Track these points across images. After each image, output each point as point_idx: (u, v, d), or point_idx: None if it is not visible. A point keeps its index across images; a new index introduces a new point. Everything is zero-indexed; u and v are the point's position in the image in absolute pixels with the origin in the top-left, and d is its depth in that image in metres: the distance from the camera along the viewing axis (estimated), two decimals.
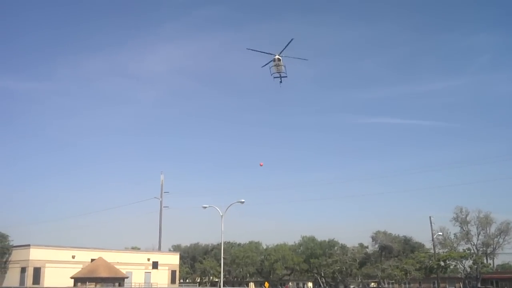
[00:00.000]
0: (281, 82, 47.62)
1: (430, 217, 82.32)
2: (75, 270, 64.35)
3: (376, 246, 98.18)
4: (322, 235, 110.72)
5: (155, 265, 76.77)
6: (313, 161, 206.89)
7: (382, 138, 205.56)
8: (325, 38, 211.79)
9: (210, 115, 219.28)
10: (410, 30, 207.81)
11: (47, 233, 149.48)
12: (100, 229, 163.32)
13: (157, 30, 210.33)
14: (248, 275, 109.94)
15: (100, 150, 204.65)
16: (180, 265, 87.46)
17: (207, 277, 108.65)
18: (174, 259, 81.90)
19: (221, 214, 59.76)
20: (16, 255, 66.43)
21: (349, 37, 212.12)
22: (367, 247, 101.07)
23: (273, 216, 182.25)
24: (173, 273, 79.46)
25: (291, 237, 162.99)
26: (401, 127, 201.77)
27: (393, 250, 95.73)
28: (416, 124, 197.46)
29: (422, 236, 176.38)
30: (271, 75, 46.36)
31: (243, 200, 59.05)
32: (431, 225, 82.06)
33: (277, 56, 44.89)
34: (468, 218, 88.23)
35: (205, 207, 60.91)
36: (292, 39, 43.33)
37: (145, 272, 74.87)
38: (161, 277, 76.74)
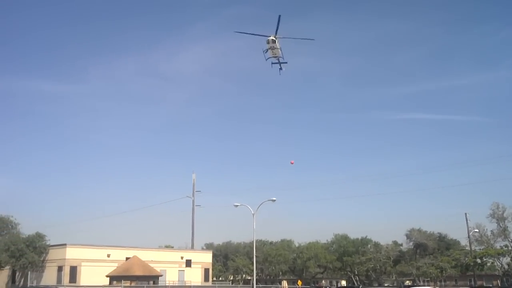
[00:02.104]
0: (281, 69, 43.25)
1: (465, 214, 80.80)
2: (111, 268, 65.53)
3: (411, 243, 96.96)
4: (354, 233, 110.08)
5: (188, 263, 77.41)
6: (345, 158, 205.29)
7: (415, 134, 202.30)
8: (355, 35, 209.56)
9: (241, 114, 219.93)
10: (442, 24, 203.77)
11: (83, 232, 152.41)
12: (135, 228, 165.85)
13: (187, 30, 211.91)
14: (280, 273, 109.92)
15: (133, 151, 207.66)
16: (213, 263, 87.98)
17: (240, 275, 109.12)
18: (207, 257, 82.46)
19: (252, 212, 59.85)
20: (53, 254, 67.85)
21: (380, 32, 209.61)
22: (401, 244, 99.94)
23: (305, 214, 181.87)
24: (206, 271, 80.00)
25: (323, 235, 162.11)
26: (433, 122, 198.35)
27: (428, 247, 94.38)
28: (449, 119, 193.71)
29: (458, 233, 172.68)
30: (266, 60, 41.32)
31: (274, 199, 58.97)
32: (467, 222, 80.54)
33: (271, 38, 39.43)
34: (505, 214, 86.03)
35: (237, 206, 61.12)
36: (280, 16, 38.10)
37: (179, 270, 75.56)
38: (195, 275, 77.34)
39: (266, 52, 40.38)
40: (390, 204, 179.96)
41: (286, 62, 42.55)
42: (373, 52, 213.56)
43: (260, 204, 60.07)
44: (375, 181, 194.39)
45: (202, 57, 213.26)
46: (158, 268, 68.79)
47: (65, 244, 66.03)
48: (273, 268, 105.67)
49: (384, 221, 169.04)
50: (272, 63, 42.33)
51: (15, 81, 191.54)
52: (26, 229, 75.16)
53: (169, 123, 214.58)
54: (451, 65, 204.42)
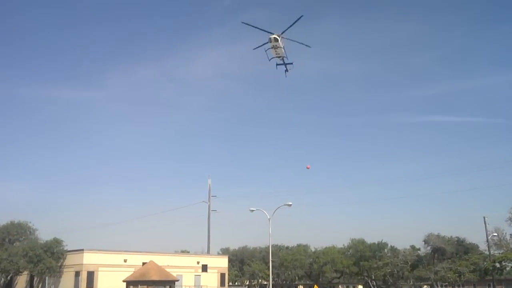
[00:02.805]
0: (287, 71, 41.40)
1: (484, 218, 79.87)
2: (127, 273, 65.63)
3: (428, 248, 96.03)
4: (371, 238, 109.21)
5: (204, 268, 77.49)
6: (362, 162, 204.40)
7: (433, 137, 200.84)
8: (371, 37, 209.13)
9: (257, 118, 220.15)
10: (460, 26, 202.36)
11: (100, 237, 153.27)
12: (151, 233, 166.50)
13: (204, 35, 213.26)
14: (297, 278, 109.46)
15: (150, 156, 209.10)
16: (229, 268, 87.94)
17: (256, 280, 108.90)
18: (223, 262, 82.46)
19: (268, 217, 59.82)
20: (70, 259, 68.39)
21: (396, 35, 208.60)
22: (418, 249, 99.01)
23: (321, 219, 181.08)
24: (222, 276, 80.00)
25: (340, 240, 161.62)
26: (451, 125, 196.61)
27: (446, 252, 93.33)
28: (467, 122, 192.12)
29: (476, 237, 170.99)
30: (269, 60, 39.39)
31: (290, 203, 58.88)
32: (485, 226, 79.59)
33: (273, 36, 37.38)
34: None
35: (253, 210, 61.12)
36: (301, 16, 35.83)
37: (195, 275, 75.65)
38: (211, 280, 77.38)
39: (266, 50, 38.57)
40: (407, 208, 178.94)
41: (291, 63, 40.98)
42: (390, 55, 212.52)
43: (276, 209, 60.09)
44: (392, 185, 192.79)
45: (218, 61, 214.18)
46: (174, 273, 68.79)
47: (82, 250, 66.51)
48: (289, 273, 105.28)
49: (401, 225, 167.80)
50: (277, 64, 40.80)
51: (32, 87, 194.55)
52: (44, 234, 76.06)
53: (185, 128, 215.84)
54: (469, 66, 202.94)
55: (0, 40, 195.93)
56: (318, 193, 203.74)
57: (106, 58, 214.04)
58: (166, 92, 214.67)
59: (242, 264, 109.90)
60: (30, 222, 74.76)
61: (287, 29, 37.02)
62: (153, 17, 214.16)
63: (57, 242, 69.79)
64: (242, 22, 37.46)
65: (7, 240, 71.66)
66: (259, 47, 38.89)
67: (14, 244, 71.85)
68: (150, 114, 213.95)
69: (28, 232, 73.81)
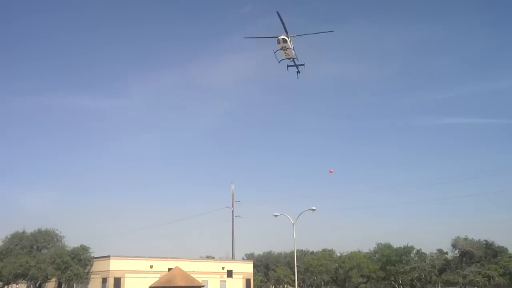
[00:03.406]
0: (298, 72, 40.02)
1: None
2: (153, 279, 66.18)
3: (456, 251, 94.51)
4: (397, 242, 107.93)
5: (229, 273, 77.43)
6: (385, 165, 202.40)
7: (456, 139, 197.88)
8: (393, 38, 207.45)
9: (278, 123, 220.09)
10: (482, 27, 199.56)
11: (126, 244, 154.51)
12: (176, 239, 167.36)
13: (224, 41, 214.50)
14: (322, 283, 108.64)
15: (173, 162, 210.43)
16: (254, 273, 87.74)
17: (281, 286, 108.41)
18: (248, 268, 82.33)
19: (292, 222, 59.59)
20: (97, 266, 69.03)
21: (418, 37, 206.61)
22: (446, 253, 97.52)
23: (346, 224, 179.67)
24: (247, 281, 79.84)
25: (365, 244, 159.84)
26: (474, 126, 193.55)
27: (474, 255, 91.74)
28: (491, 123, 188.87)
29: (505, 240, 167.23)
30: (279, 62, 38.05)
31: (314, 208, 58.57)
32: None
33: (281, 37, 35.73)
34: None
35: (276, 216, 60.95)
36: (277, 12, 34.14)
37: (220, 281, 75.64)
38: (236, 285, 77.28)
39: (275, 51, 37.23)
40: (433, 212, 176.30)
41: (303, 64, 39.47)
42: (411, 57, 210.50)
43: (300, 214, 59.87)
44: (416, 188, 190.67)
45: (238, 68, 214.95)
46: (200, 278, 69.07)
47: (108, 256, 67.08)
48: (315, 278, 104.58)
49: (427, 229, 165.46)
50: (288, 66, 39.47)
51: (60, 97, 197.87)
52: (71, 241, 76.93)
53: (206, 134, 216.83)
54: (491, 68, 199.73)
55: (25, 53, 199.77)
56: (341, 197, 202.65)
57: (126, 66, 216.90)
58: (186, 98, 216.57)
59: (267, 269, 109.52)
60: (57, 230, 75.70)
61: (284, 28, 35.39)
62: (173, 25, 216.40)
63: (84, 249, 70.53)
64: (245, 38, 37.89)
65: (35, 247, 72.56)
66: (263, 37, 37.07)
67: (42, 251, 72.75)
68: (171, 121, 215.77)
69: (56, 239, 74.62)
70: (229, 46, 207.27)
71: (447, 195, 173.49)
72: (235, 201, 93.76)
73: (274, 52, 37.05)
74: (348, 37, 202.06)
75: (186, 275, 67.04)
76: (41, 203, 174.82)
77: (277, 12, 33.93)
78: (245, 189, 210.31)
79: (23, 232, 73.92)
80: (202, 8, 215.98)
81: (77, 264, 67.91)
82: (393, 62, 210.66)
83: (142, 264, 68.26)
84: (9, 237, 73.08)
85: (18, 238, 72.62)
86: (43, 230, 74.44)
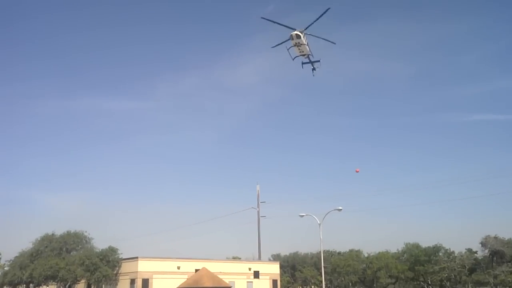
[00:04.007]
0: (314, 69, 38.61)
1: None
2: (181, 280, 66.55)
3: (486, 251, 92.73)
4: (425, 241, 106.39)
5: (256, 274, 77.34)
6: (414, 163, 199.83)
7: (484, 136, 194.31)
8: (421, 35, 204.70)
9: (303, 123, 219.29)
10: (509, 21, 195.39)
11: (153, 245, 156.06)
12: (202, 240, 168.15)
13: (247, 42, 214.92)
14: (350, 284, 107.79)
15: (199, 163, 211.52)
16: (281, 274, 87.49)
17: (308, 286, 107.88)
18: (274, 268, 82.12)
19: (318, 222, 59.22)
20: (125, 267, 69.67)
21: (446, 32, 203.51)
22: (475, 252, 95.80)
23: (372, 223, 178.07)
24: (274, 282, 79.65)
25: (393, 244, 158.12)
26: (504, 123, 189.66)
27: (505, 254, 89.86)
28: None
29: None
30: (293, 59, 36.58)
31: (340, 208, 58.13)
32: None
33: (295, 32, 34.39)
34: None
35: (302, 216, 60.64)
36: (328, 8, 32.93)
37: (247, 282, 75.62)
38: (263, 286, 77.15)
39: (288, 48, 35.81)
40: (462, 210, 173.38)
41: (318, 61, 38.29)
42: (439, 52, 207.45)
43: (326, 214, 59.46)
44: (445, 187, 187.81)
45: (262, 68, 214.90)
46: (226, 279, 69.17)
47: (136, 257, 67.65)
48: (342, 279, 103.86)
49: (456, 228, 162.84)
50: (303, 63, 38.16)
51: (85, 99, 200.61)
52: (99, 243, 77.78)
53: (232, 135, 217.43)
54: None
55: (53, 55, 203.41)
56: (368, 197, 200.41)
57: (153, 69, 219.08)
58: (211, 99, 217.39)
59: (293, 270, 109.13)
60: (86, 231, 76.57)
61: (312, 23, 34.11)
62: (197, 26, 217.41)
63: (112, 250, 71.22)
64: (262, 18, 35.02)
65: (64, 249, 73.49)
66: (279, 44, 35.81)
67: (71, 253, 73.63)
68: (196, 122, 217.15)
69: (84, 241, 75.43)
70: (252, 46, 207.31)
71: (474, 193, 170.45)
72: (261, 202, 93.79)
73: (288, 49, 35.99)
74: (371, 36, 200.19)
75: (213, 276, 67.23)
76: (70, 205, 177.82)
77: (328, 9, 33.06)
78: (270, 189, 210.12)
79: (53, 234, 75.00)
80: (225, 8, 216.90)
81: (105, 265, 68.62)
82: (420, 58, 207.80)
83: (170, 265, 68.66)
84: (39, 239, 74.25)
85: (48, 241, 73.69)
86: (72, 232, 75.38)
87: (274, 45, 36.14)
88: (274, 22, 34.64)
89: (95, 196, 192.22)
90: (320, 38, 35.50)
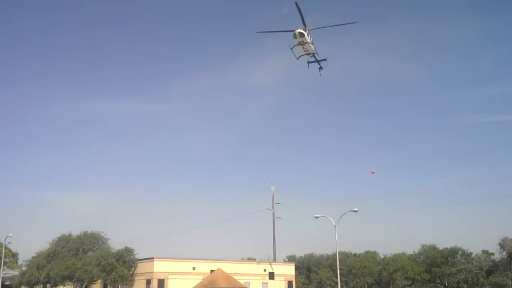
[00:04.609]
0: (321, 68, 37.15)
1: None
2: (196, 281, 66.76)
3: (504, 253, 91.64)
4: (442, 243, 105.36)
5: (271, 275, 77.29)
6: (429, 165, 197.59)
7: (503, 137, 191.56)
8: (438, 35, 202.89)
9: (318, 124, 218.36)
10: None
11: (168, 245, 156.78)
12: (217, 241, 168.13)
13: (262, 43, 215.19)
14: (366, 286, 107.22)
15: (212, 164, 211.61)
16: (296, 275, 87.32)
17: None
18: (289, 270, 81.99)
19: (334, 224, 58.96)
20: (141, 267, 70.07)
21: (460, 33, 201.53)
22: (492, 253, 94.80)
23: (389, 225, 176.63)
24: (289, 283, 79.54)
25: (409, 246, 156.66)
26: None
27: None
28: None
29: None
30: (298, 59, 35.30)
31: (356, 209, 57.83)
32: None
33: (297, 31, 32.71)
34: None
35: (317, 217, 60.42)
36: (296, 2, 31.34)
37: (262, 283, 75.61)
38: (278, 287, 77.08)
39: (292, 47, 34.43)
40: (479, 212, 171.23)
41: (325, 59, 36.76)
42: (456, 52, 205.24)
43: (342, 215, 59.16)
44: (461, 188, 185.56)
45: (277, 69, 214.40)
46: (241, 280, 69.22)
47: (152, 258, 68.04)
48: (358, 280, 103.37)
49: (473, 229, 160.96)
50: (309, 62, 36.67)
51: (100, 103, 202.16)
52: (116, 243, 78.22)
53: (246, 136, 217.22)
54: None
55: (68, 57, 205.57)
56: (384, 198, 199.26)
57: (168, 71, 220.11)
58: (226, 101, 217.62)
59: (309, 271, 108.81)
60: (102, 232, 77.18)
61: (302, 21, 32.25)
62: (212, 26, 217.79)
63: (128, 251, 71.71)
64: (257, 32, 34.70)
65: (81, 250, 74.19)
66: (293, 47, 33.80)
67: (88, 253, 74.29)
68: (211, 123, 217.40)
69: (101, 242, 76.05)
70: (267, 47, 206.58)
71: (493, 194, 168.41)
72: (276, 203, 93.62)
73: (291, 48, 34.56)
74: (385, 36, 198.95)
75: (228, 277, 67.33)
76: (87, 206, 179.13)
77: (296, 3, 31.16)
78: (285, 190, 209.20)
79: (70, 235, 75.80)
80: (240, 9, 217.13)
81: (122, 266, 69.12)
82: (437, 58, 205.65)
83: (185, 266, 68.93)
84: (56, 240, 75.08)
85: (65, 241, 74.50)
86: (88, 232, 76.07)
87: (292, 47, 34.77)
88: (270, 31, 33.87)
89: (111, 196, 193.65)
90: (335, 26, 33.69)
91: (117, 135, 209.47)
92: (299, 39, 33.31)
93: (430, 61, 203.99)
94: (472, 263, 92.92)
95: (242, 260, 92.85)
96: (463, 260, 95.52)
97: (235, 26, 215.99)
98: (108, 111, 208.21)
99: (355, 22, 35.64)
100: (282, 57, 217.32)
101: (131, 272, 70.50)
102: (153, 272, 66.41)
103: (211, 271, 68.94)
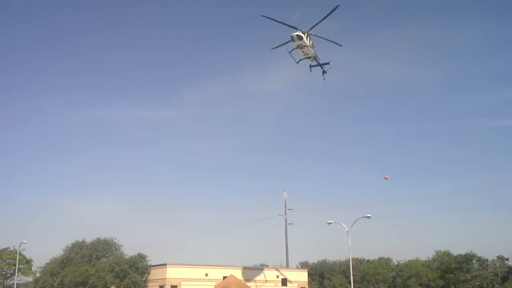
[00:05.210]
0: (324, 72, 36.16)
1: None
2: (209, 287, 66.79)
3: None
4: (456, 249, 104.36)
5: (284, 282, 77.02)
6: (444, 171, 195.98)
7: None
8: (451, 39, 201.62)
9: (330, 130, 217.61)
10: None
11: (181, 252, 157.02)
12: (229, 247, 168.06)
13: (273, 50, 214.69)
14: None
15: (224, 170, 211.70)
16: (309, 282, 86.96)
17: None
18: (302, 276, 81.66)
19: (347, 230, 58.74)
20: (154, 274, 70.23)
21: (473, 37, 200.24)
22: (507, 259, 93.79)
23: (402, 231, 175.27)
24: None
25: (424, 252, 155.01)
26: None
27: None
28: None
29: None
30: (297, 62, 34.28)
31: (369, 215, 57.65)
32: None
33: (295, 33, 31.97)
34: None
35: (330, 223, 60.26)
36: (337, 6, 30.21)
37: None
38: None
39: (290, 51, 33.43)
40: (494, 217, 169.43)
41: (328, 63, 35.83)
42: (472, 56, 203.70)
43: (355, 221, 58.96)
44: (477, 194, 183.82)
45: (288, 75, 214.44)
46: (254, 287, 69.11)
47: (165, 264, 68.18)
48: (372, 287, 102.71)
49: (486, 235, 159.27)
50: (311, 66, 35.73)
51: (112, 108, 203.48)
52: (128, 250, 78.50)
53: (258, 142, 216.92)
54: None
55: (79, 62, 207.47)
56: (397, 203, 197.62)
57: (180, 77, 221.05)
58: (237, 107, 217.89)
59: (322, 278, 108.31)
60: (115, 238, 77.53)
61: (319, 22, 31.57)
62: (224, 31, 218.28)
63: (141, 257, 71.98)
64: (262, 16, 33.14)
65: (94, 256, 74.55)
66: (279, 46, 33.23)
67: (101, 260, 74.61)
68: (223, 129, 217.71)
69: (114, 248, 76.37)
70: (279, 53, 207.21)
71: (507, 200, 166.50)
72: (288, 209, 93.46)
73: (290, 52, 33.58)
74: (397, 41, 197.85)
75: (240, 283, 67.23)
76: (100, 212, 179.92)
77: (337, 6, 30.31)
78: (297, 197, 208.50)
79: (83, 241, 76.25)
80: (252, 15, 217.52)
81: (135, 272, 69.37)
82: (452, 62, 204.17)
83: (198, 272, 68.98)
84: (69, 246, 75.54)
85: (78, 247, 74.92)
86: (102, 239, 76.45)
87: (273, 47, 33.95)
88: (275, 20, 32.70)
89: (124, 202, 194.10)
90: (327, 40, 32.82)
91: (129, 140, 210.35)
92: (297, 42, 32.83)
93: (441, 66, 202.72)
94: (487, 270, 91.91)
95: (255, 266, 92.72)
96: (477, 266, 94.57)
97: (247, 31, 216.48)
98: (121, 117, 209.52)
99: (337, 6, 33.20)
100: (293, 62, 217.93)
101: (144, 278, 70.74)
102: (166, 278, 66.52)
103: (224, 277, 68.87)
